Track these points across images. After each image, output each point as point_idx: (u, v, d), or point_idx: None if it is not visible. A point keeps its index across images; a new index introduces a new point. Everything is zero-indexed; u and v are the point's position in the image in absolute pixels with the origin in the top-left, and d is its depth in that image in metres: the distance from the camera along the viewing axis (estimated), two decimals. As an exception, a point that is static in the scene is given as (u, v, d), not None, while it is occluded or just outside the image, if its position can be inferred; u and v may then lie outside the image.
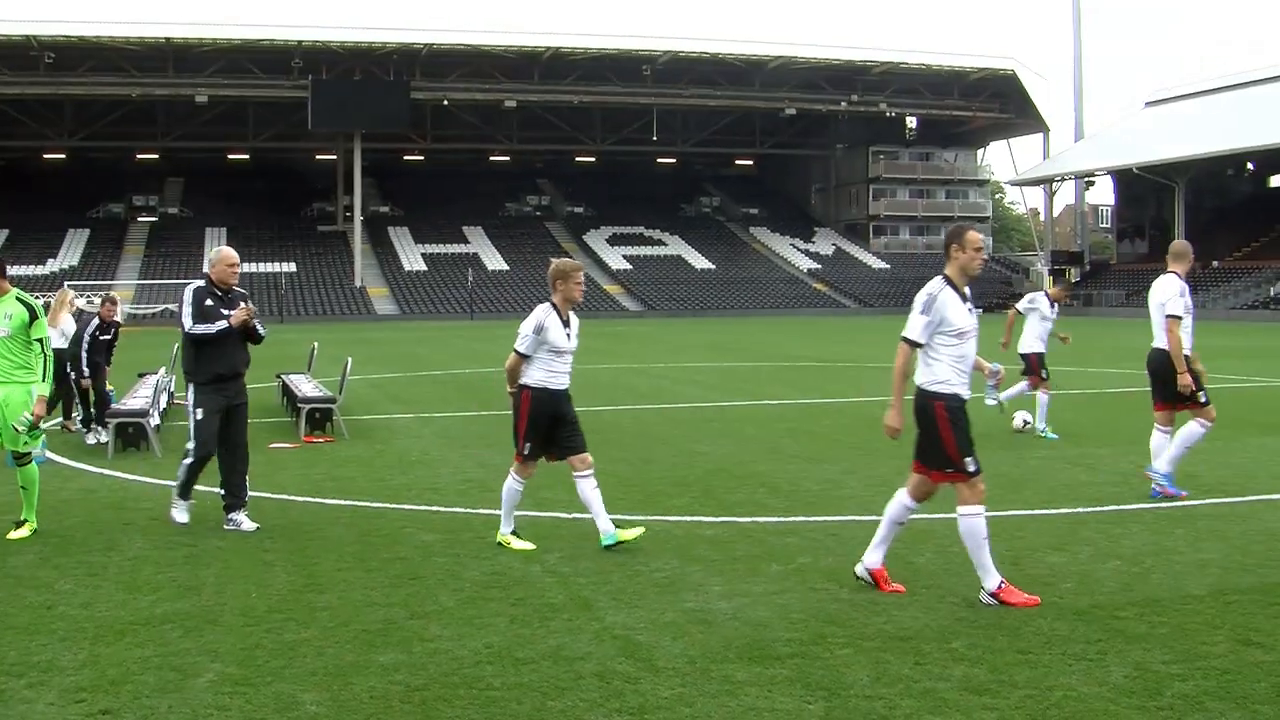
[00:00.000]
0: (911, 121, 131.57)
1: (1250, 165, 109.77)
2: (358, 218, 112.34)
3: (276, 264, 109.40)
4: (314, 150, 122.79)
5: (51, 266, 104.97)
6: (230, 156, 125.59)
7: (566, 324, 11.29)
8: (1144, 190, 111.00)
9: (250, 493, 13.05)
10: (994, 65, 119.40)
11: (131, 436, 18.61)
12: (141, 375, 25.81)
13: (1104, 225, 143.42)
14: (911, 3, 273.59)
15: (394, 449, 18.92)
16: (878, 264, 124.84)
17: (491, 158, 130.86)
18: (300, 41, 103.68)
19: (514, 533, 11.71)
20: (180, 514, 12.86)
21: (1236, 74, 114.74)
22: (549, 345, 11.19)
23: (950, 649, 8.19)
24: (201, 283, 12.88)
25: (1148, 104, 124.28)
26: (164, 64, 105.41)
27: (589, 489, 11.41)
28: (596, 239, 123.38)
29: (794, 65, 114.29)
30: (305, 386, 22.46)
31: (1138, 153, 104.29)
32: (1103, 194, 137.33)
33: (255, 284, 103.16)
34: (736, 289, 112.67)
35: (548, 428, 11.44)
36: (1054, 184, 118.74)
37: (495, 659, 8.07)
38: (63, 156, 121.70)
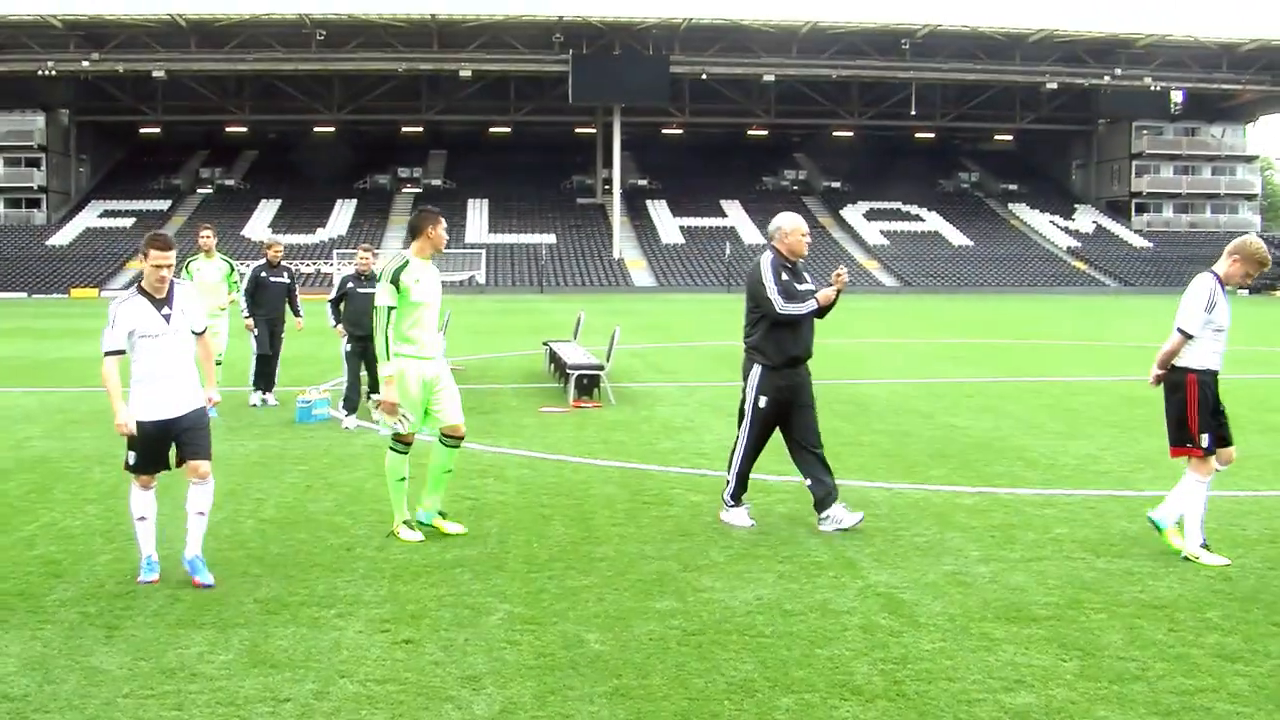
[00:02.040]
0: (1177, 96, 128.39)
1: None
2: (616, 190, 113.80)
3: (537, 235, 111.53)
4: (574, 124, 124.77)
5: (321, 235, 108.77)
6: (492, 130, 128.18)
7: None
8: None
9: (525, 452, 13.75)
10: (1266, 37, 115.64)
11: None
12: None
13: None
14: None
15: (659, 415, 19.53)
16: (1140, 242, 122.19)
17: (749, 131, 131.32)
18: (561, 17, 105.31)
19: None
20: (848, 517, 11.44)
21: None
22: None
23: (1204, 618, 8.46)
24: (772, 256, 11.59)
25: None
26: (429, 40, 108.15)
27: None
28: (853, 214, 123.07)
29: (1055, 38, 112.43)
30: (574, 354, 23.21)
31: None
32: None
33: (516, 255, 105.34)
34: (994, 266, 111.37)
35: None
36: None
37: (765, 610, 8.61)
38: (332, 130, 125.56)
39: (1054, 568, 9.87)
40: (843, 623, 8.32)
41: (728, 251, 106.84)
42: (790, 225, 11.65)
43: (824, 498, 11.28)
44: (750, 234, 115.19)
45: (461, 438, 11.28)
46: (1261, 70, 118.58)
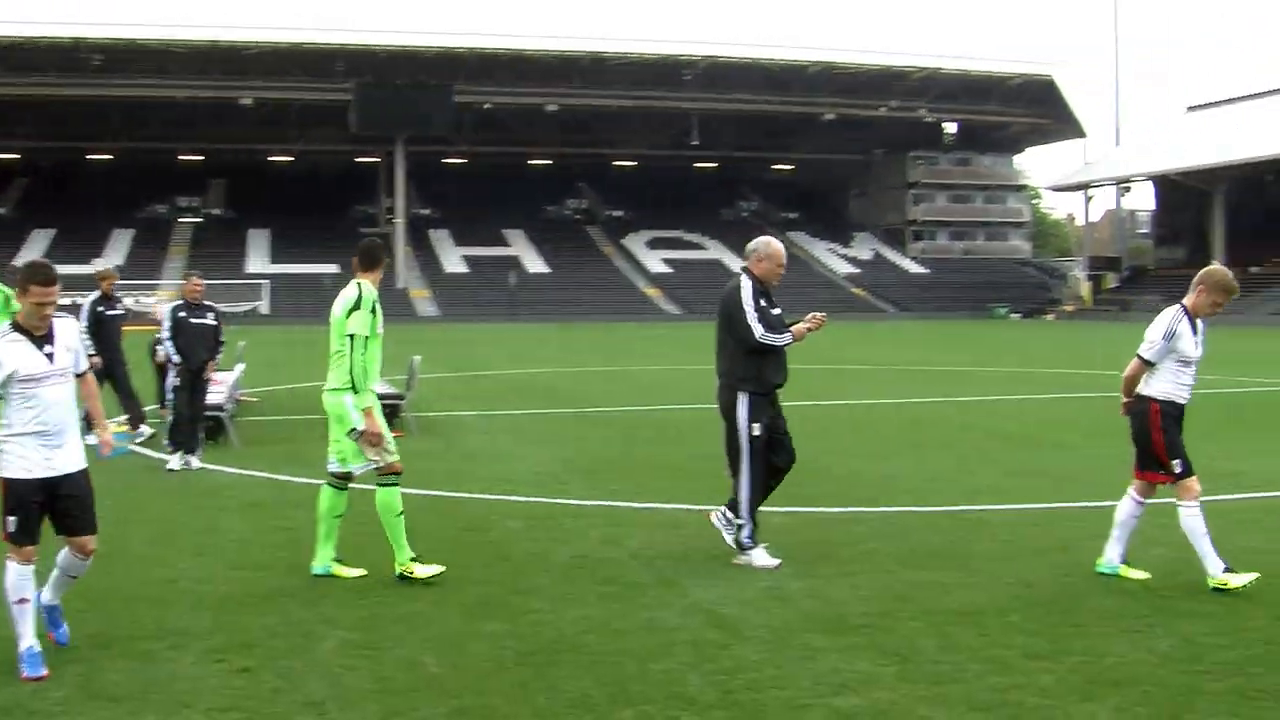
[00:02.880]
0: (950, 127, 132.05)
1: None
2: (400, 220, 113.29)
3: (320, 265, 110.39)
4: (356, 152, 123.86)
5: (98, 266, 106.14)
6: (273, 159, 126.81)
7: None
8: (1183, 196, 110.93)
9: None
10: (1033, 71, 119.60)
11: (212, 430, 19.38)
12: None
13: (1142, 231, 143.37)
14: (950, 9, 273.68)
15: (463, 444, 19.72)
16: (916, 269, 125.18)
17: (531, 161, 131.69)
18: (344, 45, 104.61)
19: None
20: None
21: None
22: None
23: (1010, 622, 8.98)
24: (750, 281, 11.75)
25: (1189, 109, 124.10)
26: (209, 67, 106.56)
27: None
28: (635, 242, 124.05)
29: (833, 71, 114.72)
30: (372, 384, 23.24)
31: (1177, 158, 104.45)
32: (1141, 199, 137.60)
33: (299, 285, 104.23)
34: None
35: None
36: (1091, 189, 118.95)
37: (595, 629, 8.90)
38: (109, 157, 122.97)
39: (866, 580, 10.32)
40: (671, 638, 8.62)
41: (512, 281, 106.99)
42: (768, 250, 11.76)
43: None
44: (534, 263, 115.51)
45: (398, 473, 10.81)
46: (1029, 103, 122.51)
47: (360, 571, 10.61)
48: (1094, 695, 7.43)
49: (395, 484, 10.63)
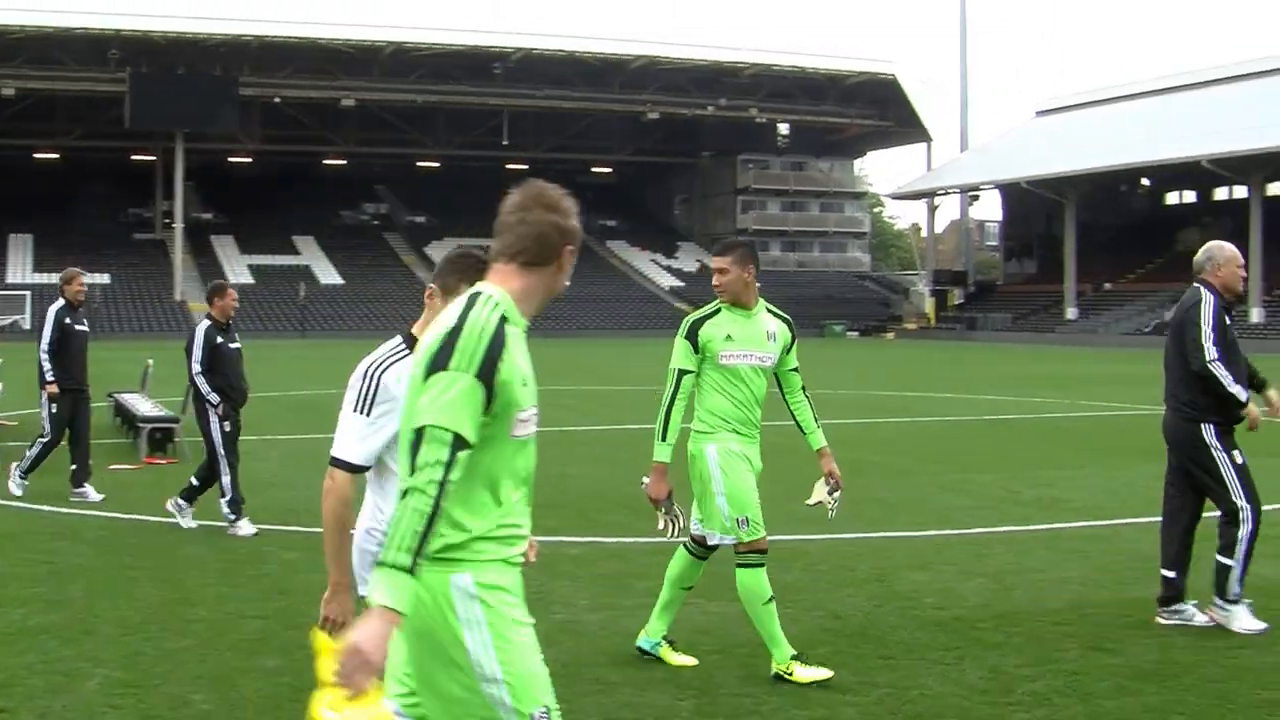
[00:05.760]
0: (784, 128, 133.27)
1: (1146, 181, 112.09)
2: (179, 225, 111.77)
3: (89, 275, 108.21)
4: (130, 150, 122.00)
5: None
6: (38, 156, 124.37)
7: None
8: (1033, 206, 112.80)
9: (100, 512, 13.95)
10: (874, 69, 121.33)
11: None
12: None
13: (990, 243, 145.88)
14: (788, 4, 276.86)
15: (242, 471, 19.72)
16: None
17: (326, 161, 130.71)
18: (119, 30, 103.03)
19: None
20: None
21: (1133, 83, 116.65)
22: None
23: (816, 654, 9.37)
24: (1213, 297, 10.59)
25: (1038, 113, 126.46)
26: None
27: None
28: (440, 251, 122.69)
29: (658, 66, 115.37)
30: (143, 406, 23.23)
31: (1027, 166, 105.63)
32: (989, 209, 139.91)
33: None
34: (593, 307, 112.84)
35: None
36: (937, 198, 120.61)
37: (379, 664, 9.12)
38: None
39: (667, 613, 10.69)
40: (461, 673, 8.89)
41: (302, 293, 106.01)
42: (1227, 255, 10.76)
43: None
44: (327, 273, 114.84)
45: None
46: (869, 104, 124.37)
47: (690, 661, 9.33)
48: (897, 728, 7.87)
49: (760, 564, 9.08)
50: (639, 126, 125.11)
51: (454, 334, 4.57)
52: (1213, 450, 10.36)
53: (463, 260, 5.87)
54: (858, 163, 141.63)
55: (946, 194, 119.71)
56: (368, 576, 5.56)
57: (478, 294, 4.78)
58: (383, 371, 5.55)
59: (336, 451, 5.87)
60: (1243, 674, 9.17)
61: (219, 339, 15.04)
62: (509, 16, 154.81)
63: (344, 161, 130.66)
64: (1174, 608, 10.51)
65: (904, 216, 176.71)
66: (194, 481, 14.97)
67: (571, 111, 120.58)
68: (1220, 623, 10.35)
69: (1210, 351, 10.21)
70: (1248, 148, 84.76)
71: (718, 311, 9.48)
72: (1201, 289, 10.56)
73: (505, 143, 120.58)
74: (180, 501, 14.84)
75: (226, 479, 14.68)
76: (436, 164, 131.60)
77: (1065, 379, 46.71)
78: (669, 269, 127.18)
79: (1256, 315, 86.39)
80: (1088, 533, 14.81)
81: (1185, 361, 10.39)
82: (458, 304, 4.72)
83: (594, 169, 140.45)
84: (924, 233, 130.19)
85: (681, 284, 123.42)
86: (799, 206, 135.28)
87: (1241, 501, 10.35)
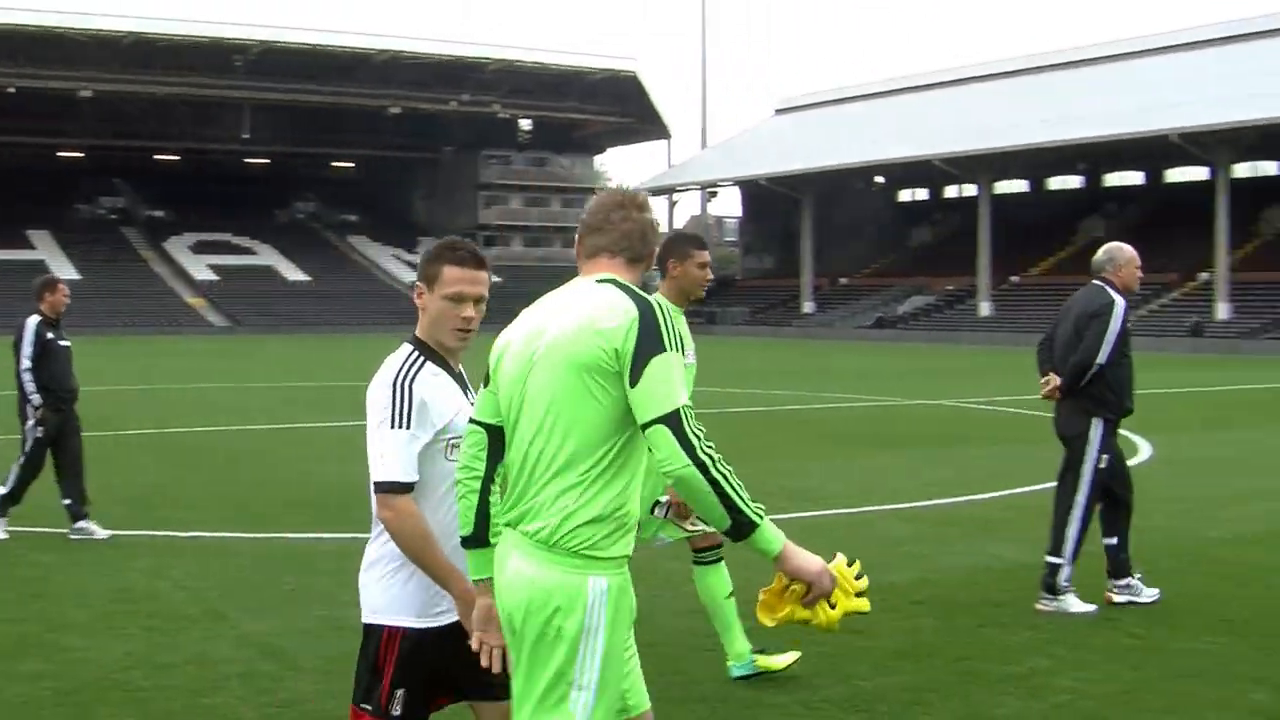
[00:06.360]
0: (526, 124, 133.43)
1: (880, 179, 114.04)
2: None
3: None
4: None
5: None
6: None
7: None
8: (771, 202, 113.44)
9: None
10: (616, 66, 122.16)
11: None
12: None
13: (729, 238, 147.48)
14: (534, 1, 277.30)
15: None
16: (490, 277, 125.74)
17: (61, 153, 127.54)
18: None
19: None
20: None
21: (867, 84, 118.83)
22: None
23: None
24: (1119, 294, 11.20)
25: (777, 111, 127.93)
26: None
27: None
28: (178, 246, 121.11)
29: (401, 60, 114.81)
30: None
31: (765, 163, 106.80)
32: (728, 205, 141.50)
33: None
34: (335, 303, 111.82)
35: None
36: (676, 194, 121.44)
37: (139, 664, 9.15)
38: None
39: (427, 608, 10.81)
40: (222, 671, 8.95)
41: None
42: (1126, 256, 11.28)
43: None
44: (62, 268, 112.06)
45: None
46: (611, 100, 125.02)
47: (795, 655, 9.06)
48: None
49: (719, 560, 8.99)
50: (382, 121, 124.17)
51: (647, 317, 4.61)
52: (1089, 447, 10.89)
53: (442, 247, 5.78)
54: (599, 159, 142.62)
55: (686, 190, 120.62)
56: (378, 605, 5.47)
57: (615, 279, 4.87)
58: (411, 381, 5.35)
59: (385, 475, 5.34)
60: (988, 652, 9.70)
61: (49, 335, 14.19)
62: (253, 8, 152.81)
63: (80, 154, 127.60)
64: (1051, 595, 10.95)
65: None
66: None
67: (314, 106, 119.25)
68: (1132, 599, 11.01)
69: (1104, 355, 10.73)
70: (975, 148, 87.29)
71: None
72: (1108, 289, 11.02)
73: (246, 136, 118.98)
74: None
75: (14, 473, 14.32)
76: (176, 157, 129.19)
77: (803, 372, 47.65)
78: (410, 264, 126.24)
79: (985, 309, 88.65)
80: (843, 520, 15.31)
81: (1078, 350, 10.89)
82: (605, 290, 4.80)
83: (335, 163, 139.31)
84: (664, 228, 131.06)
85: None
86: (540, 202, 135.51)
87: (1082, 499, 10.94)
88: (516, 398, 4.85)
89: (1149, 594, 11.07)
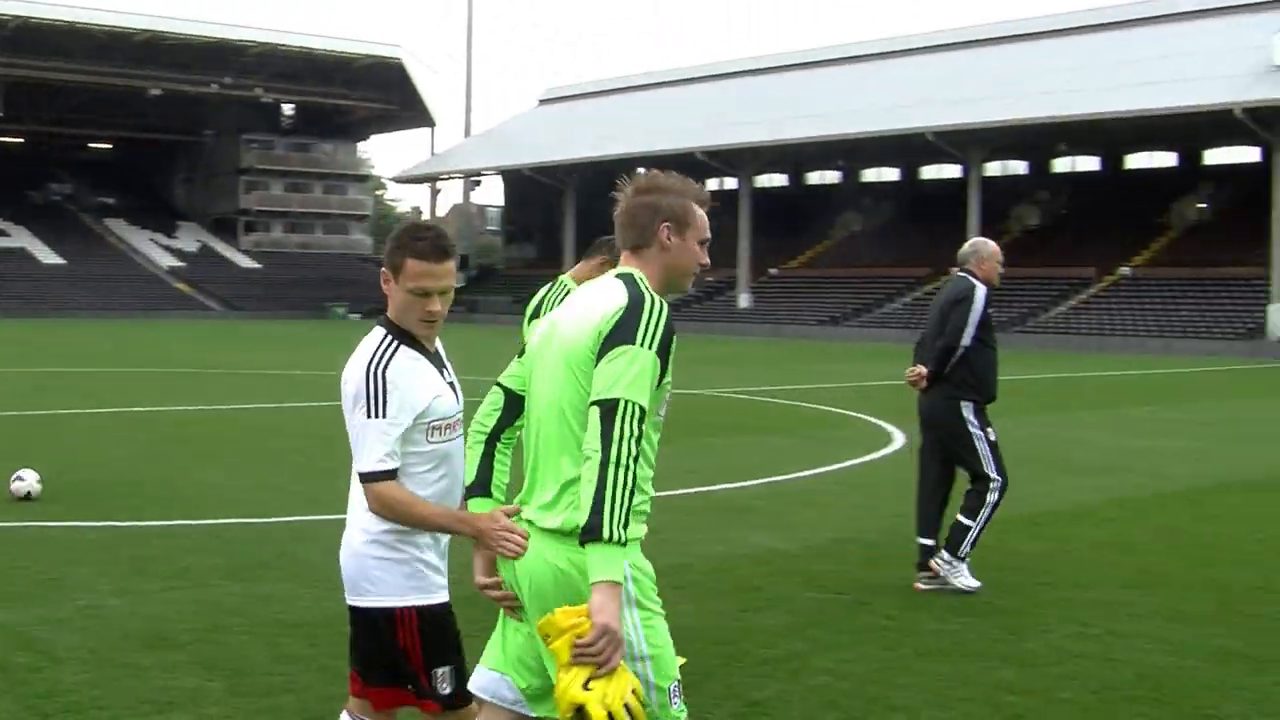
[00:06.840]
0: (289, 109, 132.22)
1: (642, 171, 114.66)
2: None
3: None
4: None
5: None
6: None
7: None
8: (534, 192, 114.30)
9: None
10: (381, 53, 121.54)
11: None
12: None
13: (492, 227, 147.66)
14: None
15: None
16: (248, 263, 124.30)
17: None
18: None
19: None
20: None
21: (629, 77, 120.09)
22: None
23: (342, 631, 9.42)
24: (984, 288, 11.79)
25: (541, 102, 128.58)
26: None
27: None
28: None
29: (163, 40, 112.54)
30: None
31: (529, 153, 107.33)
32: (491, 194, 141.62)
33: None
34: (89, 287, 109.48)
35: None
36: (439, 182, 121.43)
37: (-115, 657, 8.81)
38: None
39: (190, 595, 10.61)
40: (-25, 663, 8.68)
41: None
42: (989, 250, 11.87)
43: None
44: None
45: None
46: (376, 87, 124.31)
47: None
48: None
49: None
50: (142, 102, 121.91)
51: (632, 311, 4.68)
52: (969, 426, 11.36)
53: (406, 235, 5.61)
54: (362, 145, 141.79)
55: (449, 178, 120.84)
56: (368, 586, 5.49)
57: (630, 274, 4.89)
58: (386, 367, 5.21)
59: (366, 465, 5.35)
60: (750, 635, 9.81)
61: None
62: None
63: None
64: (930, 573, 11.30)
65: (406, 199, 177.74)
66: None
67: (71, 84, 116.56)
68: (944, 576, 11.22)
69: (967, 337, 11.26)
70: (736, 141, 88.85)
71: None
72: (971, 279, 11.56)
73: (0, 115, 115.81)
74: None
75: None
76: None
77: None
78: (169, 249, 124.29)
79: (744, 301, 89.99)
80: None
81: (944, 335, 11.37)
82: (609, 282, 4.88)
83: (92, 144, 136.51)
84: (425, 216, 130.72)
85: (182, 264, 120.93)
86: (302, 188, 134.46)
87: (993, 473, 11.35)
88: (530, 383, 5.07)
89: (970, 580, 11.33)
